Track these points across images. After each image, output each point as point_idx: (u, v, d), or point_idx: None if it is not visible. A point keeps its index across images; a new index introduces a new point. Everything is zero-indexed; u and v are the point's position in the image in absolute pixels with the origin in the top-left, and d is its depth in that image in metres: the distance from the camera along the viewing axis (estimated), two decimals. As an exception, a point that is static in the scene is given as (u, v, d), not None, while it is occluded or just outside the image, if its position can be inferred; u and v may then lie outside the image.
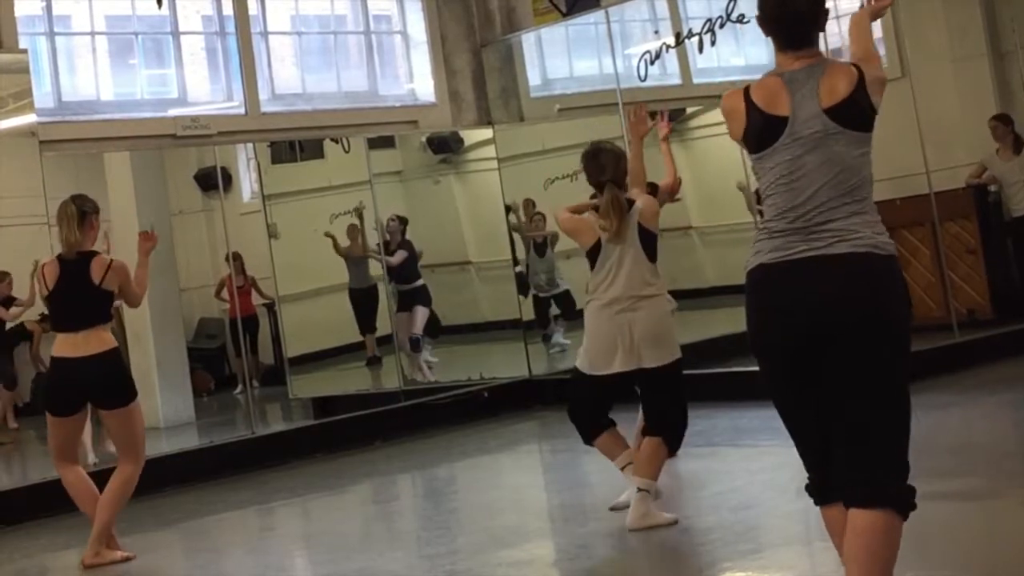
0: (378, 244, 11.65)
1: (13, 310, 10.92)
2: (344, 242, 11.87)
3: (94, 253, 6.72)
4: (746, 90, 3.69)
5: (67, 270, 6.68)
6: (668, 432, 6.00)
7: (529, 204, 11.99)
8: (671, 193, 6.29)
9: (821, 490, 3.68)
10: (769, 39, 3.75)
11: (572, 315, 11.49)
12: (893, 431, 3.50)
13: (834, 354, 3.50)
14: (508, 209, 11.84)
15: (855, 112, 3.57)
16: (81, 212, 6.69)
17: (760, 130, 3.64)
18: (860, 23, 3.83)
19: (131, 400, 6.67)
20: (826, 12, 3.70)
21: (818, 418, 3.60)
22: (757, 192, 3.93)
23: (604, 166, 6.00)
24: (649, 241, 5.98)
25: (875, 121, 3.62)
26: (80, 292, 6.64)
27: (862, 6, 3.89)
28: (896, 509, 3.48)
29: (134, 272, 6.83)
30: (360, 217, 11.76)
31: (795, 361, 3.59)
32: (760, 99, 3.65)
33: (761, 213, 4.04)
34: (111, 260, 6.73)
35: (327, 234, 11.80)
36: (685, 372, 6.09)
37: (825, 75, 3.60)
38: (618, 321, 5.88)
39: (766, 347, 3.64)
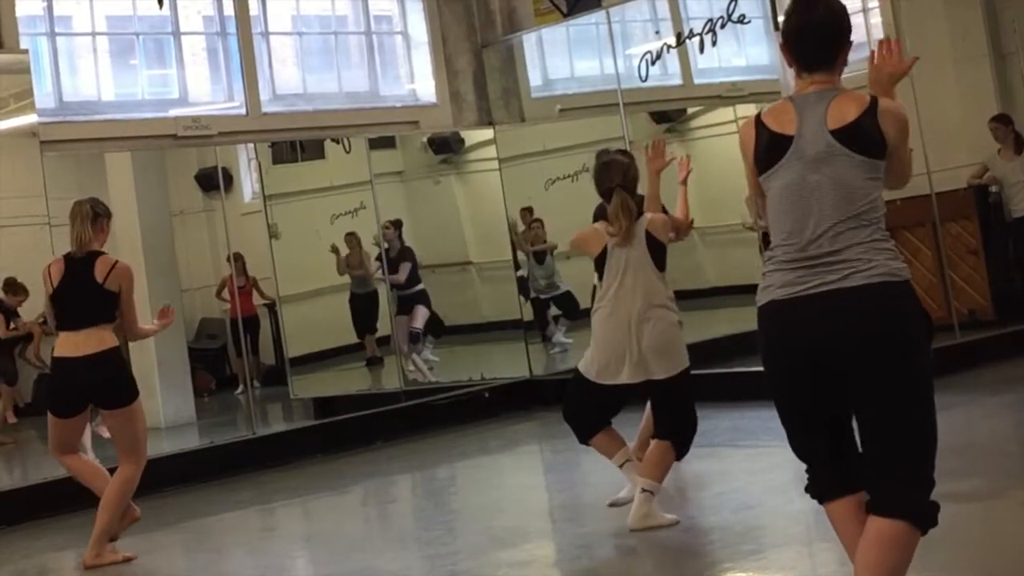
0: (379, 256, 11.64)
1: (10, 327, 11.03)
2: (344, 249, 11.88)
3: (100, 253, 6.73)
4: (758, 115, 3.71)
5: (72, 268, 6.70)
6: (677, 438, 6.01)
7: (526, 213, 11.99)
8: (678, 231, 6.30)
9: (821, 489, 3.69)
10: (777, 47, 3.73)
11: (575, 315, 11.49)
12: (920, 448, 3.52)
13: (856, 382, 3.49)
14: (508, 214, 11.83)
15: (861, 136, 3.53)
16: (95, 213, 6.73)
17: (767, 147, 3.63)
18: (879, 87, 3.71)
19: (132, 400, 6.67)
20: (848, 44, 3.66)
21: (825, 431, 3.62)
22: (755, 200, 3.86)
23: (613, 173, 6.02)
24: (657, 250, 5.99)
25: (886, 150, 3.55)
26: (83, 290, 6.64)
27: (871, 57, 3.78)
28: (917, 522, 3.51)
29: (146, 331, 7.01)
30: (358, 242, 11.78)
31: (802, 389, 3.59)
32: (770, 120, 3.65)
33: (766, 232, 3.98)
34: (116, 261, 6.74)
35: (332, 249, 11.80)
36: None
37: (836, 99, 3.58)
38: (627, 333, 5.88)
39: (781, 384, 3.63)
